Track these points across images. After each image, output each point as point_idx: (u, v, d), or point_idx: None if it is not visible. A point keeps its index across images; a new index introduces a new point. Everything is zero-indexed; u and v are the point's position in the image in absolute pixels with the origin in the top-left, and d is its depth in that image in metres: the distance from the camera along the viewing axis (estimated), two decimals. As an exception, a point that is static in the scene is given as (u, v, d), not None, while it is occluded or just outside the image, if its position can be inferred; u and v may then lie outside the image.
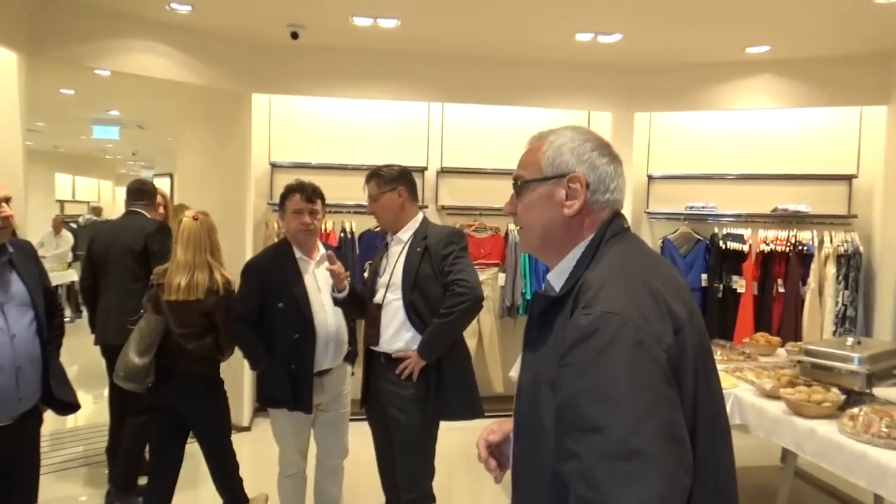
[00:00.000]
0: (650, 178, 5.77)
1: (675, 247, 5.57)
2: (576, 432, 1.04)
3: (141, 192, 3.96)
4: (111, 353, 3.71)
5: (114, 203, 16.21)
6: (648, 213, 5.75)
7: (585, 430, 1.03)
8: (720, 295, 5.38)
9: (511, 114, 5.65)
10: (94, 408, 5.47)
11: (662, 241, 5.61)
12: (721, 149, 5.67)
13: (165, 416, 3.02)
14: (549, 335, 1.20)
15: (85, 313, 4.07)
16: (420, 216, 2.89)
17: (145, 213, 3.91)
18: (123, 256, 3.69)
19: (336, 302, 2.83)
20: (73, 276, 8.85)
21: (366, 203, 2.90)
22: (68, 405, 2.58)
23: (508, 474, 1.39)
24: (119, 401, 3.81)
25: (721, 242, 5.41)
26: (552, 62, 5.34)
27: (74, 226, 10.74)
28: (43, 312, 2.45)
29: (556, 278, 1.29)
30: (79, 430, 4.92)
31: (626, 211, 5.34)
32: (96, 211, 12.46)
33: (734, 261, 5.39)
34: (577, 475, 1.02)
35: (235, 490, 3.20)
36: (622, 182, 1.31)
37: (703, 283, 5.44)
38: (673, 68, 5.36)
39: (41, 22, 4.00)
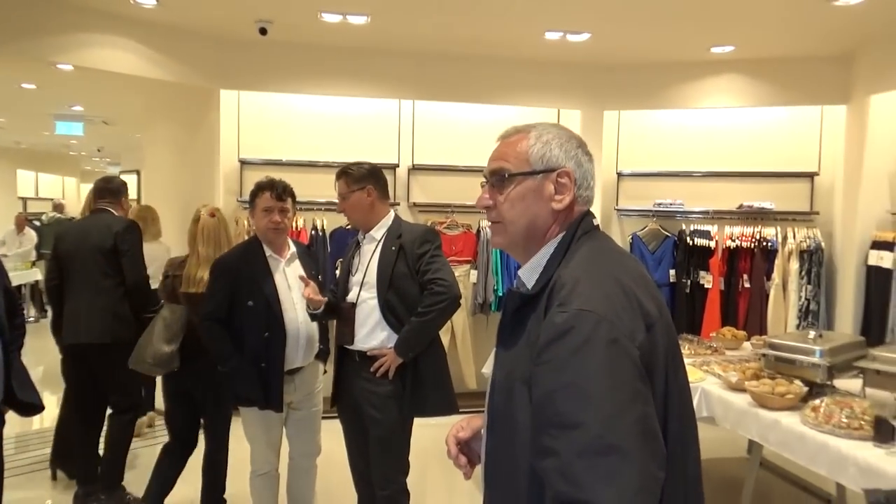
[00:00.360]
0: (619, 175, 5.84)
1: (644, 243, 5.65)
2: (553, 429, 1.05)
3: (105, 191, 3.89)
4: (82, 351, 3.65)
5: (79, 200, 15.81)
6: (618, 209, 5.82)
7: (563, 426, 1.04)
8: (688, 290, 5.49)
9: (482, 111, 5.67)
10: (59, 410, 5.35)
11: (632, 238, 5.69)
12: (688, 146, 5.77)
13: (182, 404, 3.27)
14: (523, 332, 1.21)
15: (50, 313, 3.98)
16: (392, 214, 2.88)
17: (113, 210, 3.85)
18: (92, 255, 3.62)
19: (313, 318, 2.83)
20: (38, 275, 8.64)
21: (336, 200, 2.89)
22: (32, 406, 2.52)
23: (478, 470, 1.40)
24: (93, 400, 3.76)
25: (689, 238, 5.51)
26: (522, 60, 5.38)
27: (38, 223, 10.48)
28: (3, 312, 2.40)
29: (528, 275, 1.29)
30: (45, 433, 4.81)
31: (597, 208, 5.39)
32: (59, 208, 12.17)
33: (701, 257, 5.50)
34: (555, 471, 1.03)
35: (220, 471, 3.40)
36: (594, 180, 1.34)
37: (672, 279, 5.53)
38: (640, 67, 5.44)
39: (0, 14, 3.90)
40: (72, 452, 3.97)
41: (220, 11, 4.37)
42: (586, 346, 1.06)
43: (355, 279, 2.80)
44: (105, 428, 3.77)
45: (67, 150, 14.30)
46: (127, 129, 9.32)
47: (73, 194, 16.32)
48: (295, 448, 3.13)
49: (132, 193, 12.74)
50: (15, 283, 8.98)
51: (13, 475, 3.94)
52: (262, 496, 3.06)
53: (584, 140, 1.36)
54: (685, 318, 5.41)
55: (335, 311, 2.85)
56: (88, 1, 4.15)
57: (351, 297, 2.78)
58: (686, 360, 3.58)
